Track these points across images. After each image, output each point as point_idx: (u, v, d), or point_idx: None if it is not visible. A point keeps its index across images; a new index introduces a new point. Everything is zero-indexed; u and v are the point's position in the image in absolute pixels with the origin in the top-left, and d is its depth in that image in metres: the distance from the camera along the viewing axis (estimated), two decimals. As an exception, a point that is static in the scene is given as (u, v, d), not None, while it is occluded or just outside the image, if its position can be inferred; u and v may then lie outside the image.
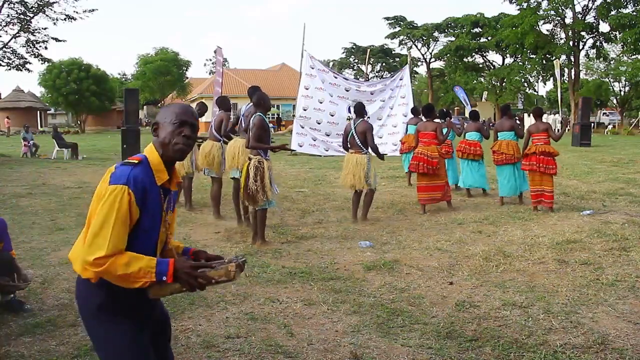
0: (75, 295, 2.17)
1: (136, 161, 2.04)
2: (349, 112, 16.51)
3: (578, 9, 40.66)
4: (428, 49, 58.43)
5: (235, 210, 7.38)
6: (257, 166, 6.05)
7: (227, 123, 7.64)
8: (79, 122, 44.34)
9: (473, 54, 55.30)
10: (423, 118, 9.44)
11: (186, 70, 32.47)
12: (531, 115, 8.86)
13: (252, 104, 7.15)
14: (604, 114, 48.22)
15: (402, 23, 57.71)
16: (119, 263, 1.93)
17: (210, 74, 58.15)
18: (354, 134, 7.35)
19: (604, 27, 41.47)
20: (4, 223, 4.30)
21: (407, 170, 11.15)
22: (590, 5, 40.47)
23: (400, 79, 16.89)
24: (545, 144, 7.89)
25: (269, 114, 6.58)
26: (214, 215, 7.76)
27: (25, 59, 22.33)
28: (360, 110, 7.50)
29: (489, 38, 51.52)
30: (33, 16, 21.22)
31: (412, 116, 12.20)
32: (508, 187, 8.67)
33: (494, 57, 59.76)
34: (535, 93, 56.05)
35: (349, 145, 7.51)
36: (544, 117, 38.45)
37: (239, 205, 7.11)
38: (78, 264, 1.98)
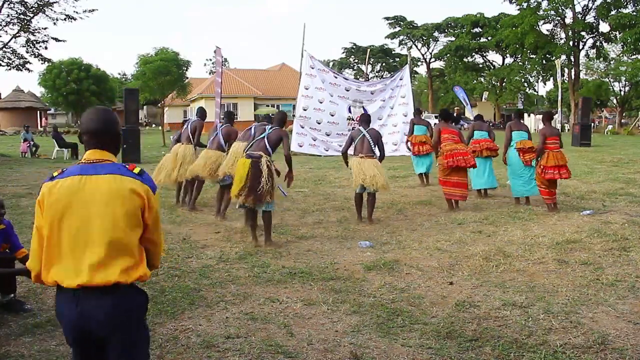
0: (125, 309, 2.10)
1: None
2: (349, 112, 16.53)
3: (578, 9, 40.68)
4: (428, 49, 58.46)
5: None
6: (269, 165, 6.10)
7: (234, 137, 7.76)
8: (78, 122, 44.40)
9: (473, 54, 55.32)
10: (430, 120, 9.47)
11: (186, 70, 32.38)
12: (542, 119, 8.75)
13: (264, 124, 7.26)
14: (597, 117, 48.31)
15: (402, 23, 57.71)
16: None
17: (210, 73, 58.16)
18: (370, 140, 7.35)
19: (604, 27, 41.51)
20: (9, 224, 4.33)
21: (423, 172, 11.08)
22: (590, 5, 40.50)
23: (400, 79, 16.89)
24: (557, 149, 7.92)
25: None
26: (218, 215, 7.76)
27: (25, 59, 22.29)
28: (368, 120, 7.65)
29: (489, 38, 51.53)
30: (33, 16, 21.19)
31: (413, 116, 12.09)
32: (530, 188, 8.58)
33: (494, 57, 59.76)
34: (535, 93, 56.06)
35: (359, 150, 7.42)
36: (539, 118, 38.46)
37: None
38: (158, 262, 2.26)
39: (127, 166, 2.17)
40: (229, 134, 7.88)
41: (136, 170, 2.16)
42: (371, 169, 7.29)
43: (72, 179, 2.08)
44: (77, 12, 23.70)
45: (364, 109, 15.42)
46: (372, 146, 7.36)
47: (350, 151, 7.65)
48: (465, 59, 54.91)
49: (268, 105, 42.09)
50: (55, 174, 2.14)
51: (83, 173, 2.10)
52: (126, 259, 2.07)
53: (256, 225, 6.41)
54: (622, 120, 42.86)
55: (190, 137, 8.46)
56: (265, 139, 6.20)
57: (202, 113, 8.86)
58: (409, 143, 11.48)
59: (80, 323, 2.06)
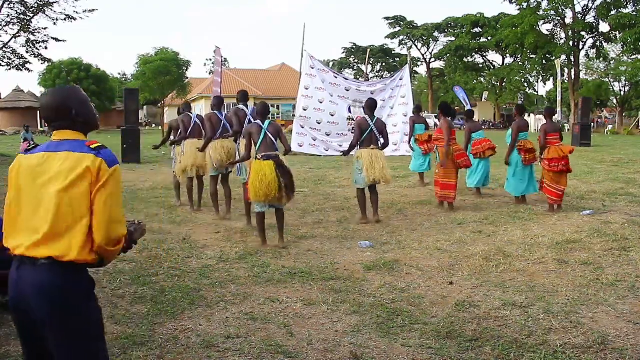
0: (59, 286, 2.04)
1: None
2: (349, 112, 16.55)
3: (578, 9, 40.75)
4: (428, 49, 58.53)
5: (245, 211, 7.36)
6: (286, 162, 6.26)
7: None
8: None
9: (473, 54, 55.37)
10: (433, 117, 9.40)
11: (186, 70, 32.41)
12: (544, 114, 8.70)
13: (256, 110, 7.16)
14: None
15: (402, 23, 57.77)
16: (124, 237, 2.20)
17: (210, 73, 58.19)
18: (375, 131, 7.39)
19: (604, 27, 41.58)
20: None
21: (427, 169, 11.08)
22: (590, 5, 40.57)
23: (400, 79, 16.92)
24: (559, 144, 7.92)
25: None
26: (218, 214, 7.78)
27: (25, 59, 22.34)
28: (373, 107, 7.56)
29: (489, 38, 51.60)
30: (33, 16, 21.23)
31: (412, 114, 12.04)
32: (526, 185, 8.59)
33: (494, 57, 59.85)
34: (535, 93, 56.11)
35: (368, 142, 7.40)
36: (539, 117, 38.46)
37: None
38: (112, 242, 2.11)
39: (85, 142, 2.14)
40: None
41: (93, 146, 2.12)
42: (381, 160, 7.37)
43: (37, 155, 2.14)
44: (77, 12, 23.79)
45: (363, 108, 15.40)
46: (378, 137, 7.44)
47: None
48: (465, 59, 54.96)
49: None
50: (29, 148, 2.23)
51: (48, 150, 2.14)
52: (69, 237, 2.05)
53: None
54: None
55: (204, 131, 8.04)
56: (271, 136, 6.19)
57: (187, 105, 8.96)
58: (414, 142, 11.34)
59: (18, 289, 2.10)
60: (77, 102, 2.21)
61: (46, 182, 2.09)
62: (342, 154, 7.98)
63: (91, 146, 2.12)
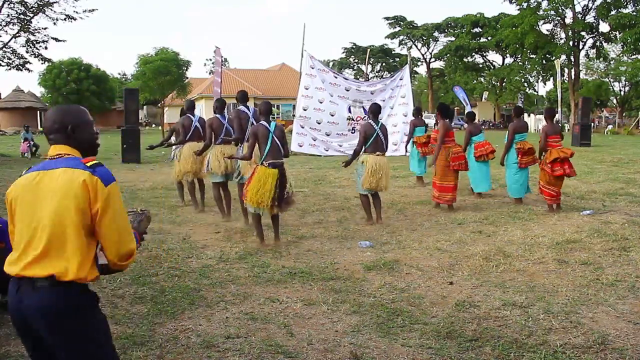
0: (57, 306, 2.03)
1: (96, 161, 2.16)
2: (349, 112, 16.54)
3: (578, 9, 40.75)
4: (428, 49, 58.51)
5: (242, 211, 7.37)
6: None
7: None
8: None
9: (473, 54, 55.36)
10: (433, 118, 9.39)
11: (186, 70, 32.41)
12: (544, 116, 8.63)
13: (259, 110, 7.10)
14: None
15: (402, 23, 57.76)
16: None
17: (210, 73, 58.20)
18: (381, 136, 7.31)
19: (604, 27, 41.59)
20: (5, 223, 4.30)
21: (423, 173, 11.11)
22: (590, 5, 40.57)
23: (400, 79, 16.88)
24: (560, 147, 7.91)
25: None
26: (224, 216, 7.76)
27: (25, 59, 22.36)
28: (377, 111, 7.49)
29: (489, 38, 51.58)
30: (33, 16, 21.25)
31: (413, 117, 12.06)
32: (525, 187, 8.62)
33: (494, 57, 59.83)
34: (535, 93, 56.11)
35: (373, 147, 7.29)
36: (539, 117, 38.48)
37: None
38: (124, 257, 2.12)
39: (81, 159, 2.13)
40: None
41: (89, 164, 2.10)
42: (385, 167, 7.31)
43: (29, 175, 2.16)
44: (77, 12, 23.84)
45: (364, 109, 15.42)
46: (383, 142, 7.37)
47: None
48: (465, 59, 54.95)
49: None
50: (24, 171, 2.23)
51: (42, 169, 2.14)
52: (66, 255, 2.03)
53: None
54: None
55: (206, 134, 7.81)
56: (277, 141, 6.17)
57: (191, 105, 8.71)
58: (413, 145, 11.38)
59: (18, 311, 2.09)
60: (76, 120, 2.20)
61: (41, 200, 2.07)
62: (343, 165, 7.65)
63: (87, 164, 2.09)
